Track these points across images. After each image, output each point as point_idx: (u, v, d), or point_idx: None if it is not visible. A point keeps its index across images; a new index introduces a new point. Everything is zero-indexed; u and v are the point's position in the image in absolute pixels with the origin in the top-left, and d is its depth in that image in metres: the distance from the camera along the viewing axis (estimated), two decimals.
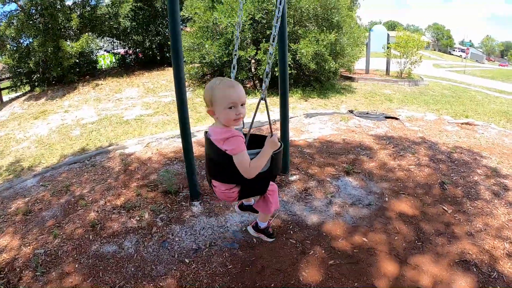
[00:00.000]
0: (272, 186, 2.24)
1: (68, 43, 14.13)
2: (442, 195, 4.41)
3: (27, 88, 15.27)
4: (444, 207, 4.10)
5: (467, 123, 7.86)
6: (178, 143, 6.05)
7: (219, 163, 2.02)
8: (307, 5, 10.48)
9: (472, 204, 4.19)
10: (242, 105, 1.95)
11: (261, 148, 1.99)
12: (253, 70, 11.79)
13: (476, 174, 5.00)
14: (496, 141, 6.64)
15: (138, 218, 3.90)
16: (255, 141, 2.21)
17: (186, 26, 13.13)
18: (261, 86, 11.82)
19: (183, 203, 4.19)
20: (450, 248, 3.38)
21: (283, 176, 4.84)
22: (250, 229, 2.62)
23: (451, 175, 4.95)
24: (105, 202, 4.30)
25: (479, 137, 6.86)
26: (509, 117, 9.92)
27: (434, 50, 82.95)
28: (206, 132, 2.09)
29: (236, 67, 2.57)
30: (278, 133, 4.77)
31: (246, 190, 2.10)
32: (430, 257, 3.25)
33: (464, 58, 42.93)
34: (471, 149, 6.03)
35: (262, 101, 2.05)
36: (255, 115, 2.14)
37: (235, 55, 2.61)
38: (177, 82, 3.82)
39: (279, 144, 2.06)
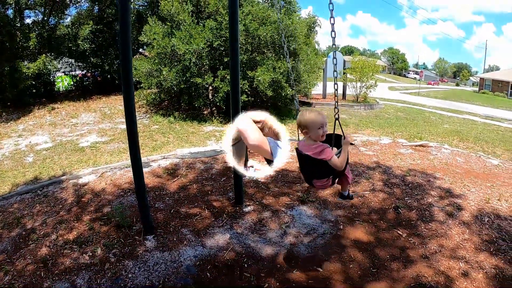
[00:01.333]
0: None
1: (25, 63, 13.55)
2: (396, 219, 4.49)
3: None
4: (398, 232, 4.17)
5: (421, 145, 8.13)
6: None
7: (319, 168, 2.74)
8: (264, 33, 10.67)
9: (427, 226, 4.29)
10: (326, 125, 2.70)
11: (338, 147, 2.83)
12: (210, 97, 11.76)
13: (430, 196, 5.15)
14: (449, 161, 6.90)
15: (91, 254, 3.77)
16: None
17: (144, 50, 12.96)
18: (218, 113, 11.85)
19: (137, 237, 4.05)
20: (406, 272, 3.42)
21: (237, 208, 4.81)
22: (338, 199, 3.35)
23: (405, 198, 5.07)
24: (57, 236, 4.15)
25: (432, 158, 7.10)
26: (462, 136, 10.40)
27: (390, 73, 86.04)
28: (297, 149, 2.82)
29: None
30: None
31: (336, 176, 2.92)
32: (385, 283, 3.28)
33: (419, 80, 44.78)
34: (424, 171, 6.21)
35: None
36: (334, 129, 2.91)
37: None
38: (128, 126, 3.78)
39: (352, 142, 2.93)
